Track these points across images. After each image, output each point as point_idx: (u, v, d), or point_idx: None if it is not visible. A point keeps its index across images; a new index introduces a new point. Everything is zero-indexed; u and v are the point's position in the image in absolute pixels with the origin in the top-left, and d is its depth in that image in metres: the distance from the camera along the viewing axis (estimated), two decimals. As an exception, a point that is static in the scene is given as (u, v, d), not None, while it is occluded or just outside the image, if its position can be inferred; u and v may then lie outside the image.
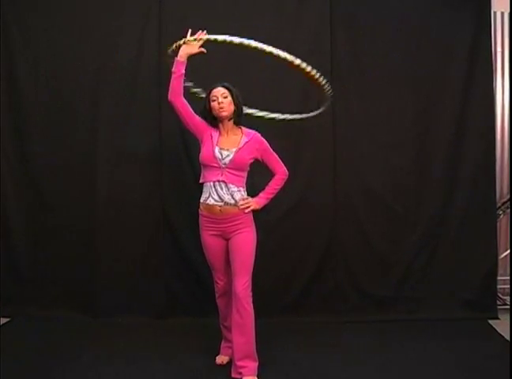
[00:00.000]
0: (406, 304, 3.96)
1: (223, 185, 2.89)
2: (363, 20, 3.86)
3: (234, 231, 2.94)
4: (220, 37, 2.80)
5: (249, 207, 2.95)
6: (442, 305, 3.95)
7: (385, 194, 3.94)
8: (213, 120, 2.96)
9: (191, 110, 2.95)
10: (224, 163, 2.89)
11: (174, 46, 2.92)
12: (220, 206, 2.89)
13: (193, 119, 2.96)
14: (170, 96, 2.92)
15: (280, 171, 3.06)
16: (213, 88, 2.95)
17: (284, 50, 3.83)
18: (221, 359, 3.17)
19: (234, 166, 2.90)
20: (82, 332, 3.71)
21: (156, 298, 3.93)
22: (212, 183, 2.91)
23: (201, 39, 2.86)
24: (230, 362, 3.01)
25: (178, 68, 2.89)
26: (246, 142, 2.95)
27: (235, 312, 2.86)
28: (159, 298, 3.93)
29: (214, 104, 2.92)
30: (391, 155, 3.92)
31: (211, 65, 3.57)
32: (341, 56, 3.85)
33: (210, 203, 2.91)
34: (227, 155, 2.89)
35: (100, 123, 3.87)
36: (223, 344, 3.21)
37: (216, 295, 3.14)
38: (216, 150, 2.90)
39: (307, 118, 3.33)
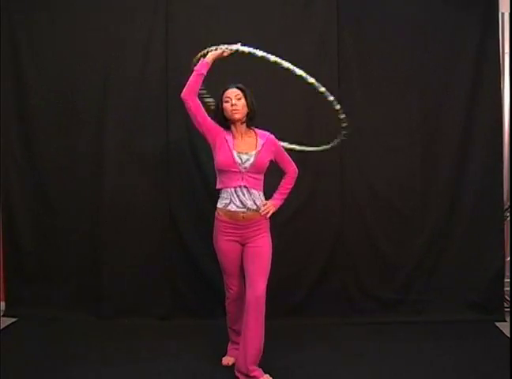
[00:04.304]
0: (412, 306, 3.95)
1: (245, 191, 2.83)
2: (370, 22, 3.84)
3: (253, 236, 2.89)
4: (248, 49, 2.89)
5: (269, 211, 2.93)
6: (448, 308, 3.93)
7: (392, 196, 3.93)
8: (225, 122, 2.89)
9: (204, 111, 2.88)
10: (245, 168, 2.82)
11: (199, 55, 2.97)
12: (243, 212, 2.84)
13: (206, 121, 2.87)
14: (184, 94, 2.82)
15: (291, 170, 3.05)
16: (227, 88, 2.89)
17: (290, 52, 3.86)
18: (227, 360, 3.16)
19: (254, 169, 2.84)
20: (88, 332, 3.72)
21: (162, 299, 3.93)
22: (233, 189, 2.83)
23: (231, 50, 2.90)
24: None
25: (202, 66, 2.83)
26: (263, 144, 2.90)
27: (252, 317, 2.82)
28: (164, 299, 3.93)
29: (227, 106, 2.85)
30: (398, 157, 3.91)
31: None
32: (348, 58, 3.84)
33: (232, 209, 2.84)
34: (247, 159, 2.83)
35: (107, 125, 3.87)
36: (230, 346, 3.20)
37: (227, 301, 3.10)
38: (235, 154, 2.83)
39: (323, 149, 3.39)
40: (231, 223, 2.88)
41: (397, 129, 3.90)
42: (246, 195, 2.83)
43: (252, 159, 2.84)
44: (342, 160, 3.89)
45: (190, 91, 2.82)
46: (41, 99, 3.90)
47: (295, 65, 3.79)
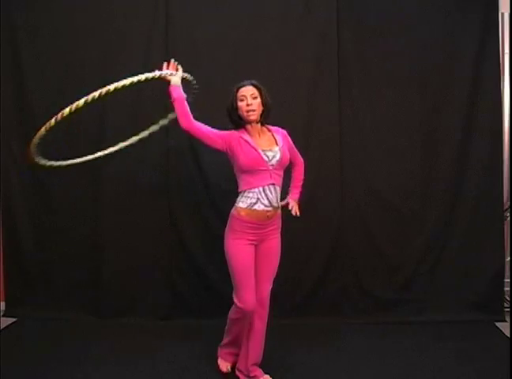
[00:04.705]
0: (412, 306, 3.95)
1: (272, 189, 2.75)
2: (370, 22, 3.84)
3: (268, 236, 2.83)
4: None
5: (296, 207, 2.91)
6: (448, 308, 3.93)
7: (392, 196, 3.93)
8: (239, 119, 2.79)
9: (209, 128, 2.76)
10: (272, 165, 2.74)
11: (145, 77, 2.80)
12: (269, 211, 2.76)
13: (216, 135, 2.75)
14: (183, 124, 2.71)
15: (300, 162, 3.02)
16: (242, 86, 2.78)
17: (290, 53, 3.86)
18: (227, 366, 3.07)
19: (280, 166, 2.78)
20: (87, 332, 3.73)
21: (162, 300, 3.94)
22: (261, 188, 2.73)
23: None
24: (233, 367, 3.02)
25: (178, 91, 2.73)
26: (282, 139, 2.84)
27: (257, 318, 2.81)
28: (164, 300, 3.94)
29: (242, 105, 2.75)
30: (398, 157, 3.91)
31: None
32: (348, 58, 3.85)
33: (259, 209, 2.73)
34: (274, 156, 2.75)
35: (106, 123, 3.87)
36: (224, 350, 3.09)
37: (236, 315, 2.87)
38: (261, 152, 2.73)
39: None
40: (253, 223, 2.76)
41: (397, 129, 3.90)
42: (273, 193, 2.76)
43: (278, 156, 2.76)
44: (342, 160, 3.89)
45: (186, 119, 2.71)
46: (41, 99, 3.90)
47: (294, 65, 3.83)
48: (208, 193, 3.83)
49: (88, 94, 3.83)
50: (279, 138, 2.84)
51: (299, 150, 3.08)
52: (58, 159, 3.89)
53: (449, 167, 3.91)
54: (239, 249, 2.76)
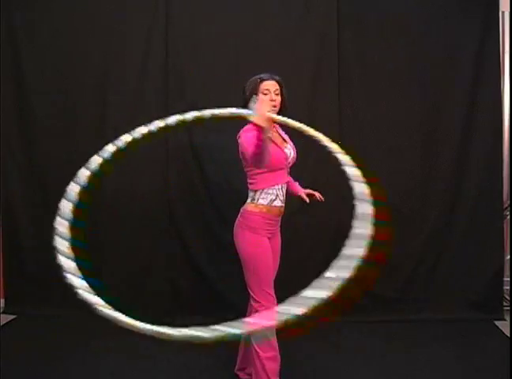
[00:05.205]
0: (412, 305, 3.96)
1: (285, 186, 2.76)
2: (370, 22, 3.84)
3: (276, 233, 2.83)
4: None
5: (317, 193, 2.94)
6: (448, 306, 3.94)
7: (392, 196, 3.92)
8: None
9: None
10: (289, 163, 2.74)
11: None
12: (282, 207, 2.76)
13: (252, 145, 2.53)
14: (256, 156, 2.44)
15: None
16: (264, 79, 2.68)
17: (290, 53, 3.86)
18: None
19: (293, 163, 2.78)
20: (87, 330, 3.71)
21: (162, 299, 3.94)
22: (280, 186, 2.71)
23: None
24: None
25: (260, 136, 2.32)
26: (287, 137, 2.82)
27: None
28: (164, 299, 3.94)
29: (265, 99, 2.63)
30: (398, 158, 3.91)
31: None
32: (348, 58, 3.85)
33: (277, 205, 2.72)
34: (290, 154, 2.74)
35: (107, 123, 3.87)
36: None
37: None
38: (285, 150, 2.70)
39: None
40: (271, 219, 2.73)
41: (397, 129, 3.90)
42: (285, 189, 2.76)
43: (293, 153, 2.75)
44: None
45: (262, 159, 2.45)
46: (41, 99, 3.90)
47: (294, 65, 3.83)
48: (208, 193, 3.83)
49: (88, 94, 3.87)
50: (286, 136, 2.84)
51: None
52: (57, 157, 3.92)
53: (449, 167, 3.91)
54: (265, 248, 2.70)
